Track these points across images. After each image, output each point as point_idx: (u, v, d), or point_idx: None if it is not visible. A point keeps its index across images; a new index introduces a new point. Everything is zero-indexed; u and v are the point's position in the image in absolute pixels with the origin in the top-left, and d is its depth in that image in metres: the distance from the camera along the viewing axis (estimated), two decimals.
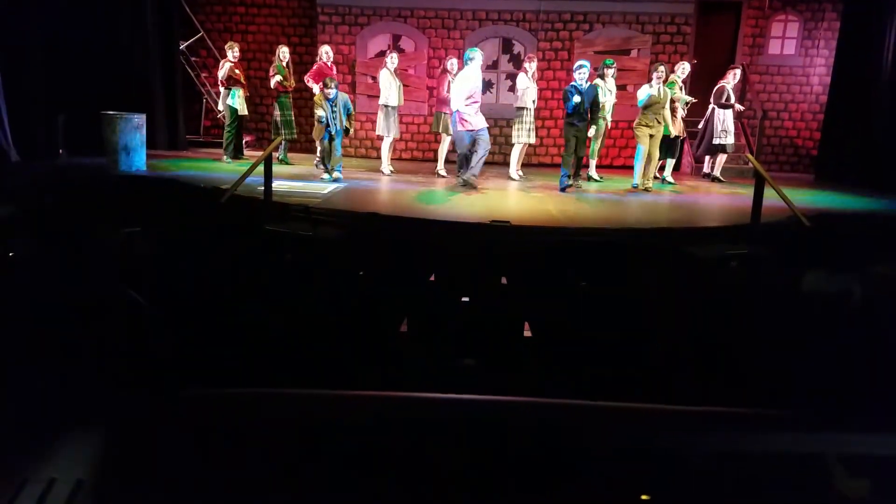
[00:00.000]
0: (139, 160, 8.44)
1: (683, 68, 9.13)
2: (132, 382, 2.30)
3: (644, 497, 1.30)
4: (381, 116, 8.99)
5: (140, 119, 8.44)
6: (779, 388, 2.71)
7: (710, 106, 9.46)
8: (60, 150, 9.20)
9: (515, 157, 9.39)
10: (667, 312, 3.62)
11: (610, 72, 9.06)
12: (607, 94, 8.98)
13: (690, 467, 1.38)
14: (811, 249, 5.65)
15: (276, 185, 6.75)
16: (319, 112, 8.31)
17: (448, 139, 9.03)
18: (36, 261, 3.79)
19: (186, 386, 1.71)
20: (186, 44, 11.39)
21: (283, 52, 9.51)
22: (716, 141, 9.42)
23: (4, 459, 1.29)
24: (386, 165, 9.29)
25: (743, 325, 3.39)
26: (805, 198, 7.88)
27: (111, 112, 8.37)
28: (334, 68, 9.63)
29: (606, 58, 9.63)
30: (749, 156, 7.52)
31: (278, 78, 9.40)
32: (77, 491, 1.21)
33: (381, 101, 8.95)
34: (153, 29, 10.54)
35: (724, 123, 9.34)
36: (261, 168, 6.39)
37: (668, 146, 9.10)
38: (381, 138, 9.31)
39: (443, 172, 9.28)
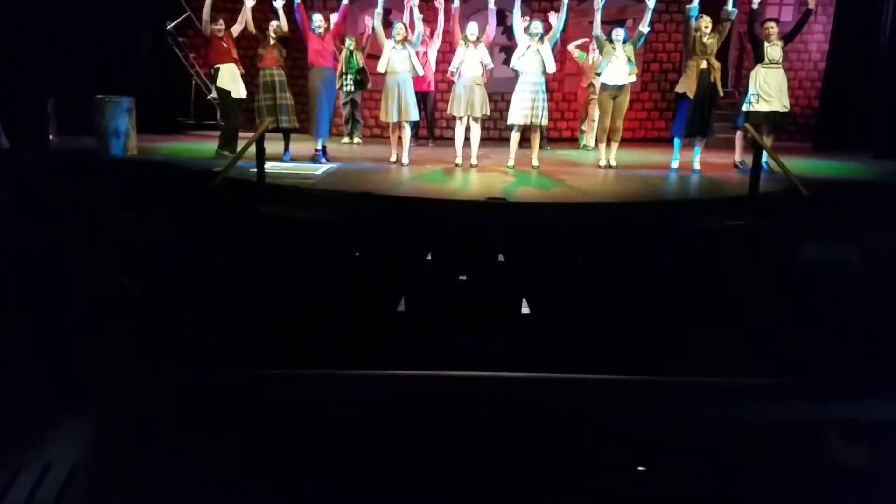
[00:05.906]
0: (130, 144, 8.33)
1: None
2: (127, 365, 2.28)
3: (640, 468, 1.29)
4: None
5: (130, 102, 8.32)
6: (776, 357, 2.70)
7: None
8: (51, 136, 9.10)
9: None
10: (666, 285, 3.61)
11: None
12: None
13: (687, 438, 1.38)
14: (809, 218, 5.63)
15: (268, 166, 6.68)
16: None
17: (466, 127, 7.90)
18: (28, 246, 3.76)
19: (182, 369, 1.69)
20: (173, 24, 11.21)
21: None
22: (744, 107, 7.69)
23: None
24: (405, 154, 8.11)
25: (743, 294, 3.38)
26: (803, 166, 7.83)
27: (101, 96, 8.25)
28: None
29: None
30: (747, 125, 7.43)
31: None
32: (73, 475, 1.20)
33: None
34: (142, 9, 10.39)
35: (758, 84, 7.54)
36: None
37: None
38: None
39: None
